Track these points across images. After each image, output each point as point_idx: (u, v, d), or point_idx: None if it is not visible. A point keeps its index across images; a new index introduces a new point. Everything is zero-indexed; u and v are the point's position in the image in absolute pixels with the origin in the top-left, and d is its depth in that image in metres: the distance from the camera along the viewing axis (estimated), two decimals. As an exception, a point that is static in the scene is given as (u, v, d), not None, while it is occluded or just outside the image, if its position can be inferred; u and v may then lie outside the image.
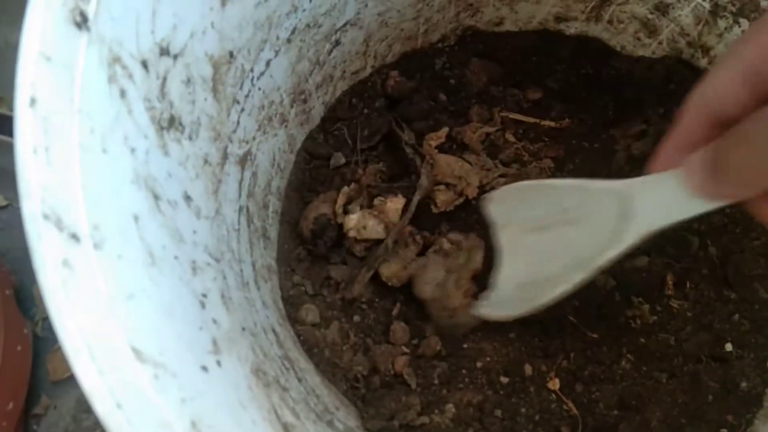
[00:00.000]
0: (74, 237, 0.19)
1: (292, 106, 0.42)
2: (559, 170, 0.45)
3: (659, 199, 0.27)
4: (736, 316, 0.38)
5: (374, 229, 0.40)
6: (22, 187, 0.18)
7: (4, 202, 0.38)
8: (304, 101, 0.44)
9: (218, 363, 0.24)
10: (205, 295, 0.27)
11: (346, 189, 0.41)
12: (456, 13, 0.48)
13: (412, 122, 0.48)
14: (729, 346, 0.37)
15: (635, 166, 0.44)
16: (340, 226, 0.41)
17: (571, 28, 0.48)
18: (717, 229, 0.40)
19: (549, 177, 0.44)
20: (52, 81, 0.19)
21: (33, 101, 0.19)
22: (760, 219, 0.23)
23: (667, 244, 0.41)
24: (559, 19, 0.48)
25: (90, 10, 0.21)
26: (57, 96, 0.20)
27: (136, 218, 0.23)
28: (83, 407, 0.35)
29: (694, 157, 0.23)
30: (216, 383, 0.23)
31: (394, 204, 0.40)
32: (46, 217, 0.18)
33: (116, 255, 0.20)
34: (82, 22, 0.21)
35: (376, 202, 0.40)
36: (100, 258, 0.19)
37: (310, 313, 0.39)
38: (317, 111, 0.46)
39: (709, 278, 0.39)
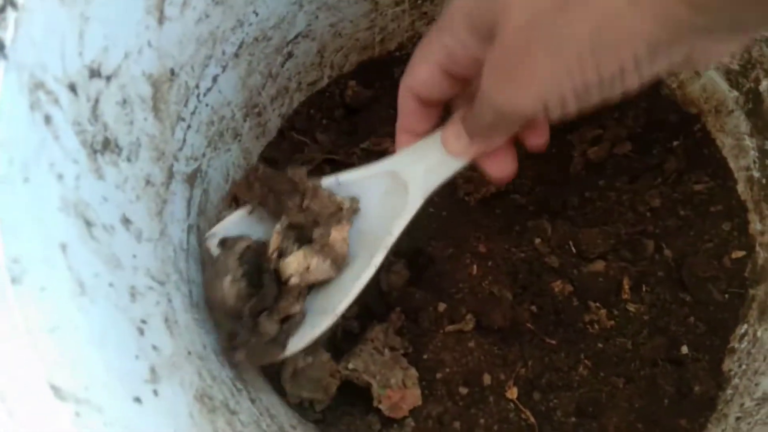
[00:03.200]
0: (-13, 273, 0.18)
1: (245, 120, 0.42)
2: (517, 176, 0.45)
3: (425, 166, 0.33)
4: (692, 318, 0.38)
5: (320, 268, 0.33)
6: (-75, 225, 0.17)
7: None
8: (259, 114, 0.43)
9: (155, 392, 0.23)
10: (144, 321, 0.26)
11: (278, 227, 0.33)
12: (411, 22, 0.48)
13: (372, 131, 0.48)
14: (685, 349, 0.37)
15: (592, 171, 0.44)
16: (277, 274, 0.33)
17: (526, 34, 0.48)
18: (671, 232, 0.40)
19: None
20: (-38, 112, 0.19)
21: (-61, 135, 0.18)
22: (487, 174, 0.32)
23: (623, 248, 0.41)
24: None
25: (6, 37, 0.21)
26: (-32, 127, 0.19)
27: (63, 247, 0.22)
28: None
29: (448, 131, 0.31)
30: (150, 414, 0.22)
31: (340, 233, 0.33)
32: (-47, 255, 0.17)
33: (39, 287, 0.20)
34: (-4, 49, 0.20)
35: (315, 235, 0.33)
36: (18, 292, 0.19)
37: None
38: (273, 123, 0.46)
39: (665, 281, 0.39)
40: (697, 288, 0.38)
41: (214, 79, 0.36)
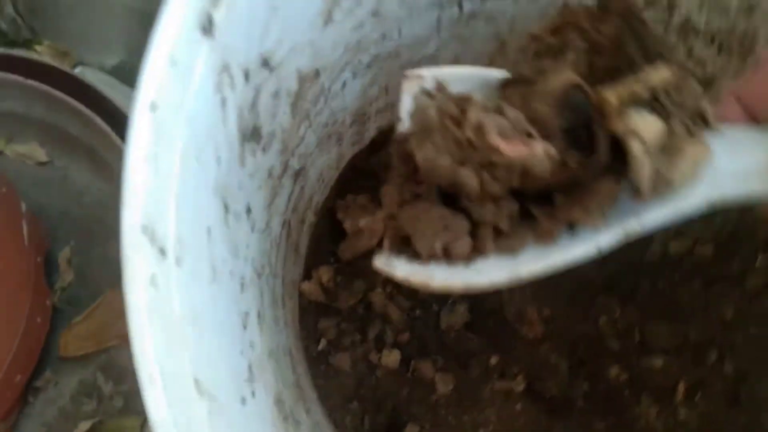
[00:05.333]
0: (162, 251, 0.18)
1: (350, 127, 0.42)
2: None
3: (743, 164, 0.22)
4: (741, 438, 0.38)
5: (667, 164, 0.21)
6: (127, 196, 0.17)
7: (44, 159, 0.37)
8: (362, 123, 0.43)
9: (253, 394, 0.23)
10: (247, 314, 0.26)
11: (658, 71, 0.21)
12: (528, 68, 0.47)
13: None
14: (728, 468, 0.37)
15: (669, 263, 0.44)
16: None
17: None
18: (738, 347, 0.40)
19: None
20: (173, 86, 0.19)
21: (154, 106, 0.18)
22: None
23: (686, 350, 0.41)
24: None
25: (218, 17, 0.21)
26: (173, 102, 0.19)
27: (209, 231, 0.22)
28: (85, 390, 0.33)
29: None
30: (251, 418, 0.22)
31: (702, 151, 0.21)
32: (144, 229, 0.17)
33: (190, 271, 0.20)
34: (208, 27, 0.20)
35: (677, 120, 0.21)
36: (179, 275, 0.19)
37: (329, 331, 0.39)
38: (369, 134, 0.46)
39: (722, 394, 0.39)
40: (756, 411, 0.38)
41: (344, 84, 0.36)
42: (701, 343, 0.40)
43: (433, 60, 0.43)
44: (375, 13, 0.33)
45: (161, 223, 0.18)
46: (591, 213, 0.22)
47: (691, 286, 0.42)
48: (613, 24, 0.23)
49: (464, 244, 0.23)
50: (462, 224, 0.23)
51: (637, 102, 0.21)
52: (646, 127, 0.20)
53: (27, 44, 0.39)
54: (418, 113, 0.22)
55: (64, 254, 0.35)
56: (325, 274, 0.41)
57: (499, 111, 0.21)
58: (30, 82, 0.33)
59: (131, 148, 0.17)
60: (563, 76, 0.22)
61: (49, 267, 0.34)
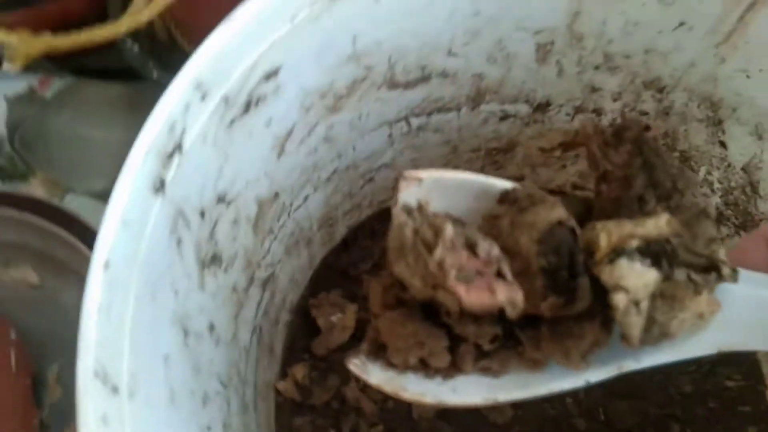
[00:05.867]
0: (115, 389, 0.21)
1: (318, 230, 0.45)
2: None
3: (760, 317, 0.20)
4: None
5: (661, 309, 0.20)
6: (81, 345, 0.20)
7: (37, 282, 0.40)
8: (331, 225, 0.47)
9: (211, 506, 0.25)
10: (209, 428, 0.28)
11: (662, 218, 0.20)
12: (481, 166, 0.51)
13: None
14: None
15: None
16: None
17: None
18: (699, 421, 0.42)
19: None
20: (126, 243, 0.22)
21: (107, 265, 0.21)
22: None
23: (649, 427, 0.42)
24: (575, 187, 0.52)
25: (168, 176, 0.25)
26: (127, 256, 0.22)
27: (166, 359, 0.25)
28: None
29: None
30: None
31: (708, 301, 0.20)
32: (96, 374, 0.20)
33: (144, 401, 0.22)
34: (159, 187, 0.24)
35: (684, 257, 0.20)
36: (131, 407, 0.21)
37: (304, 428, 0.41)
38: (340, 233, 0.49)
39: (687, 470, 0.40)
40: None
41: (305, 198, 0.40)
42: (662, 418, 0.42)
43: (391, 167, 0.47)
44: (327, 139, 0.37)
45: (114, 365, 0.21)
46: (571, 359, 0.21)
47: (652, 363, 0.44)
48: (626, 153, 0.22)
49: (441, 360, 0.23)
50: (440, 342, 0.23)
51: (629, 248, 0.19)
52: (634, 279, 0.19)
53: (22, 177, 0.43)
54: (396, 229, 0.22)
55: (52, 372, 0.38)
56: (299, 371, 0.43)
57: (472, 244, 0.20)
58: (24, 215, 0.38)
59: (86, 304, 0.20)
60: (552, 211, 0.20)
61: (38, 384, 0.37)
